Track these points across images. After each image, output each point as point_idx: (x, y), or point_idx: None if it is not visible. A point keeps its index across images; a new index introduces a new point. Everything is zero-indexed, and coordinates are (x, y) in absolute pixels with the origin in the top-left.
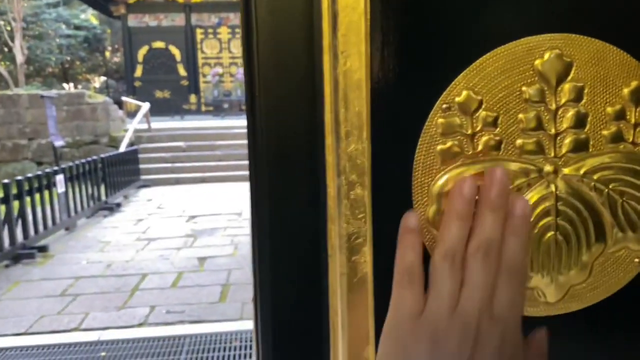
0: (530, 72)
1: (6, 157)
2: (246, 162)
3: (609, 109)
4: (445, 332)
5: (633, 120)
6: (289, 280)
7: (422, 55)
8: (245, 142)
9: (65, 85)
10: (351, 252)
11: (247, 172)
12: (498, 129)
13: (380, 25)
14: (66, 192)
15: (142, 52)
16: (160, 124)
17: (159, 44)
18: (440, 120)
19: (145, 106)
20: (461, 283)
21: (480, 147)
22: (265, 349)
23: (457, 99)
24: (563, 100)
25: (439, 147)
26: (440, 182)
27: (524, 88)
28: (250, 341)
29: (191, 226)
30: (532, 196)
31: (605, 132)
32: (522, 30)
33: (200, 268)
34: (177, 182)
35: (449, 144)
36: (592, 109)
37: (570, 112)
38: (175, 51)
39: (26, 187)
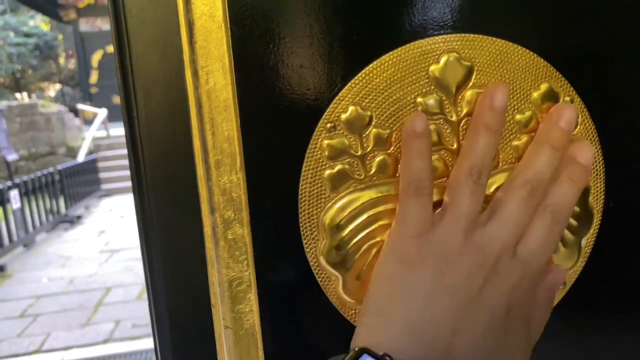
0: (424, 80)
1: None
2: None
3: (518, 117)
4: (459, 255)
5: None
6: (186, 330)
7: (297, 68)
8: None
9: (18, 95)
10: (234, 301)
11: None
12: (392, 147)
13: (245, 34)
14: (22, 208)
15: (96, 57)
16: (120, 130)
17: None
18: (326, 141)
19: (103, 112)
20: (487, 210)
21: (373, 170)
22: None
23: (343, 116)
24: (465, 110)
25: (327, 172)
26: (331, 212)
27: (419, 99)
28: None
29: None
30: None
31: (515, 143)
32: (411, 32)
33: None
34: None
35: (337, 168)
36: None
37: None
38: None
39: None
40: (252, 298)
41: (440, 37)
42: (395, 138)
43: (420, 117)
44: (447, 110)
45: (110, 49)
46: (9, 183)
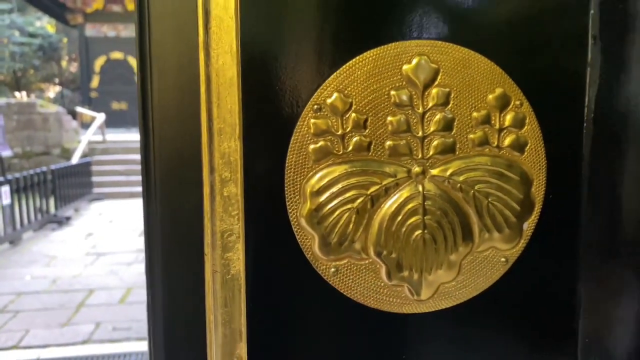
0: (398, 76)
1: None
2: None
3: (475, 114)
4: None
5: (497, 125)
6: (178, 278)
7: (293, 56)
8: None
9: (17, 94)
10: (224, 250)
11: None
12: (368, 130)
13: (251, 25)
14: (12, 204)
15: (99, 62)
16: (116, 135)
17: (117, 55)
18: (312, 120)
19: (100, 117)
20: None
21: (350, 147)
22: (157, 342)
23: (328, 101)
24: (430, 105)
25: (311, 146)
26: (312, 180)
27: (392, 92)
28: None
29: (143, 241)
30: (400, 195)
31: (471, 136)
32: (390, 35)
33: None
34: (131, 195)
35: (320, 143)
36: (458, 114)
37: (437, 116)
38: (134, 62)
39: None
40: (240, 248)
41: (414, 41)
42: (371, 122)
43: None
44: (415, 104)
45: (114, 55)
46: (1, 179)
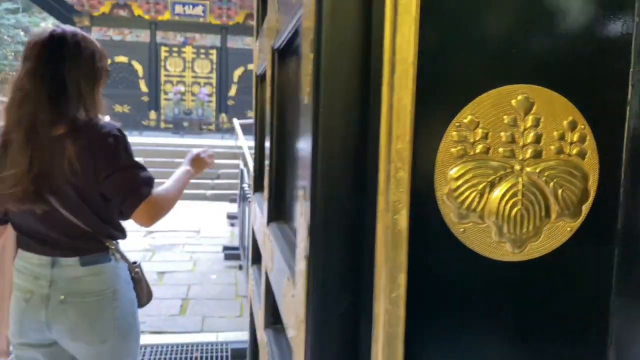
0: (509, 107)
1: None
2: (206, 182)
3: (555, 133)
4: None
5: (569, 140)
6: (340, 241)
7: (444, 92)
8: None
9: None
10: (394, 213)
11: (206, 192)
12: (488, 140)
13: (422, 72)
14: None
15: None
16: None
17: (121, 59)
18: (454, 132)
19: (106, 119)
20: None
21: (477, 151)
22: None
23: (464, 121)
24: (528, 125)
25: (452, 149)
26: (452, 172)
27: (504, 116)
28: (212, 352)
29: (149, 241)
30: (507, 183)
31: (552, 147)
32: (505, 79)
33: (159, 282)
34: None
35: (458, 147)
36: (545, 132)
37: (532, 133)
38: (138, 67)
39: None
40: (404, 213)
41: (518, 85)
42: (490, 135)
43: None
44: (519, 124)
45: (119, 59)
46: None
